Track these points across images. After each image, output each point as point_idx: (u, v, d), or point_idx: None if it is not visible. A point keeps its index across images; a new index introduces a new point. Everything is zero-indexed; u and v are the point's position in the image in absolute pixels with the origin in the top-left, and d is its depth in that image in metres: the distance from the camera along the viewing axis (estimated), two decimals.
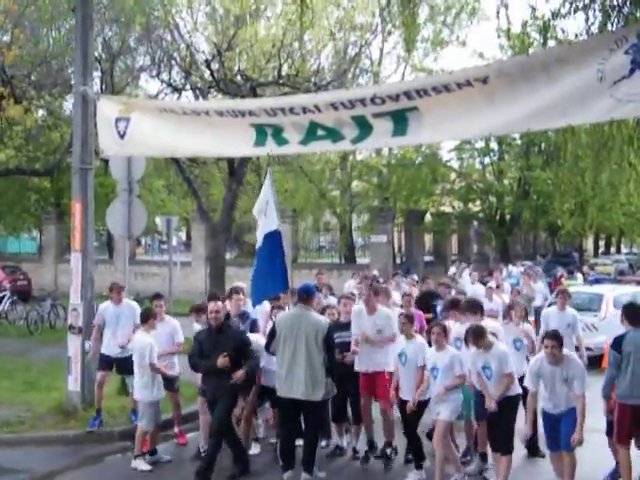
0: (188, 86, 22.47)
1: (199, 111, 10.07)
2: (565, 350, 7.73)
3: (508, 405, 8.01)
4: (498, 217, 36.24)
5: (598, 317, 15.76)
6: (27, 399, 11.85)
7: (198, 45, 23.74)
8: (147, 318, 9.47)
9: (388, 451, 9.27)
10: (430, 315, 11.75)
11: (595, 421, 8.41)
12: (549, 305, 14.26)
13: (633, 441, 8.04)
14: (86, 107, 11.24)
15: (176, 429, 10.23)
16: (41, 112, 24.96)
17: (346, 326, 9.45)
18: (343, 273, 26.53)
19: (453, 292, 13.23)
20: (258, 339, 9.32)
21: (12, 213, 33.06)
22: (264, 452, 9.57)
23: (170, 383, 9.83)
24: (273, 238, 9.32)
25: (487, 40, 55.27)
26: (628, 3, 9.39)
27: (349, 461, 9.44)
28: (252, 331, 9.74)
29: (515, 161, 36.01)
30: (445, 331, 8.46)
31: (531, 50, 19.55)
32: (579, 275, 27.78)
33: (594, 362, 10.66)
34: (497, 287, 15.31)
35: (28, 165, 22.85)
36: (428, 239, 36.73)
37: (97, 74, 19.80)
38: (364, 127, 8.69)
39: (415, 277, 17.81)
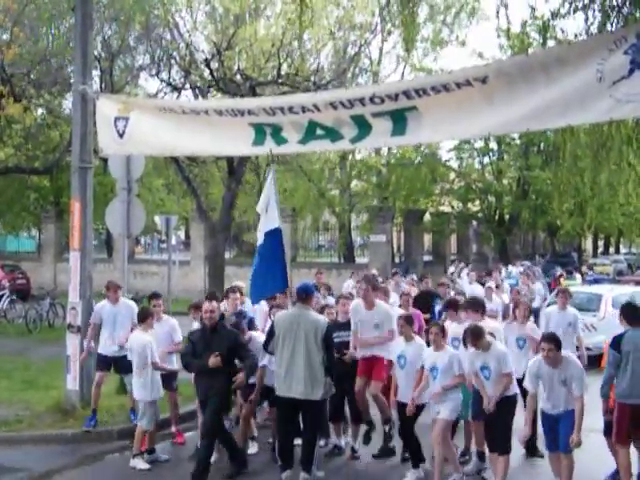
0: (187, 85, 22.46)
1: (198, 110, 10.06)
2: (563, 351, 7.73)
3: (506, 405, 8.02)
4: (497, 217, 36.24)
5: (597, 317, 15.78)
6: (26, 398, 11.85)
7: (198, 44, 23.80)
8: (145, 318, 9.46)
9: (386, 428, 9.29)
10: (428, 315, 11.76)
11: (594, 421, 8.41)
12: (548, 305, 14.27)
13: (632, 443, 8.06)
14: (85, 106, 11.24)
15: (173, 428, 10.23)
16: (40, 111, 24.95)
17: (344, 325, 9.46)
18: (342, 272, 26.54)
19: (452, 292, 13.24)
20: (259, 336, 9.31)
21: (11, 212, 33.07)
22: (262, 451, 9.58)
23: (169, 382, 9.84)
24: (274, 236, 9.31)
25: (487, 40, 55.37)
26: (627, 3, 9.40)
27: (347, 461, 9.44)
28: (250, 329, 9.73)
29: (514, 161, 35.99)
30: (443, 331, 8.46)
31: (530, 50, 19.59)
32: (578, 275, 27.78)
33: (593, 362, 10.64)
34: (497, 287, 15.32)
35: (27, 164, 22.84)
36: (427, 239, 36.72)
37: (96, 73, 19.77)
38: (363, 126, 8.68)
39: (414, 277, 17.81)
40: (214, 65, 20.62)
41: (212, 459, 8.64)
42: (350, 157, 36.16)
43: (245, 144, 9.65)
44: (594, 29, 9.62)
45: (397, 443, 9.32)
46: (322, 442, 9.43)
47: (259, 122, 9.31)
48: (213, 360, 8.30)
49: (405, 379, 8.66)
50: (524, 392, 8.13)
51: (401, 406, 8.70)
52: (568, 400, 7.61)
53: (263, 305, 10.91)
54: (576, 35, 10.38)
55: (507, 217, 36.73)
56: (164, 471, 9.14)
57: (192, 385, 9.16)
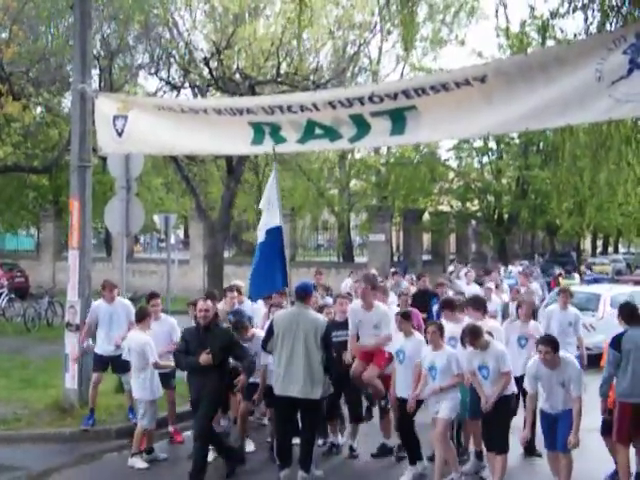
0: (187, 84, 22.48)
1: (197, 109, 10.06)
2: (561, 352, 7.72)
3: (504, 404, 8.00)
4: (496, 216, 36.24)
5: (596, 317, 15.79)
6: (24, 396, 11.84)
7: (197, 43, 23.83)
8: (143, 317, 9.45)
9: (382, 402, 9.31)
10: (425, 315, 11.74)
11: (593, 421, 8.41)
12: (546, 305, 14.26)
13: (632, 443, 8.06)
14: (84, 105, 11.23)
15: (170, 428, 10.21)
16: (39, 109, 24.92)
17: (342, 325, 9.46)
18: (341, 272, 26.53)
19: (450, 292, 13.22)
20: (262, 334, 9.29)
21: (10, 210, 33.03)
22: (260, 450, 9.58)
23: (167, 381, 9.83)
24: (275, 234, 9.30)
25: (486, 39, 55.48)
26: (627, 3, 9.39)
27: (346, 460, 9.44)
28: None
29: (513, 160, 36.00)
30: (441, 330, 8.44)
31: (529, 49, 19.58)
32: (576, 275, 27.81)
33: (592, 362, 10.65)
34: (496, 287, 15.29)
35: (26, 162, 22.81)
36: (426, 238, 36.73)
37: (95, 72, 19.77)
38: (362, 126, 8.67)
39: (413, 276, 17.80)
40: (213, 64, 20.63)
41: (210, 458, 8.64)
42: (349, 156, 36.18)
43: (244, 143, 9.65)
44: (593, 29, 9.62)
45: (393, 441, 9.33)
46: (320, 441, 9.43)
47: (258, 121, 9.31)
48: (204, 357, 8.23)
49: (404, 374, 8.67)
50: (525, 392, 8.14)
51: (400, 401, 8.70)
52: (566, 400, 7.61)
53: (261, 305, 10.92)
54: (575, 35, 10.38)
55: (506, 216, 36.74)
56: (162, 470, 9.14)
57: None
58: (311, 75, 22.24)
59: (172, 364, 9.68)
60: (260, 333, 9.23)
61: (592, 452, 8.62)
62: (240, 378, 8.58)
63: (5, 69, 19.61)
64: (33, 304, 20.84)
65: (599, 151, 10.61)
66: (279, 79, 20.58)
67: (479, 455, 8.83)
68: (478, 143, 34.97)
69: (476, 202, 37.01)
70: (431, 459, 8.69)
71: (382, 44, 36.47)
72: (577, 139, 11.06)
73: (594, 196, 21.46)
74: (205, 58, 21.02)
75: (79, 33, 11.43)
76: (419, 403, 8.57)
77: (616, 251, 54.77)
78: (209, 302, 8.75)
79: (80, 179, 11.27)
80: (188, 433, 10.24)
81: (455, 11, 37.75)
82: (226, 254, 28.47)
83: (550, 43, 13.21)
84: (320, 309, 9.80)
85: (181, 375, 10.21)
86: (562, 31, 13.50)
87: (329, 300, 12.13)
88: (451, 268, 27.62)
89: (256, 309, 10.93)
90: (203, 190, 28.73)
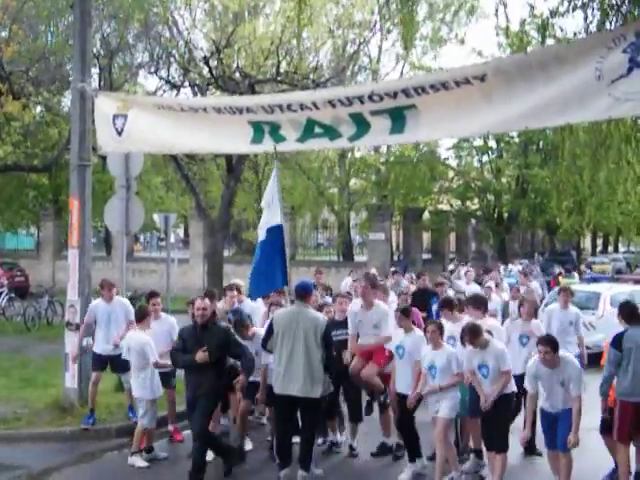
0: (187, 83, 22.47)
1: (197, 108, 10.04)
2: (561, 352, 7.72)
3: (503, 403, 8.00)
4: (496, 215, 36.26)
5: (595, 315, 15.79)
6: (24, 396, 11.85)
7: (197, 42, 23.82)
8: (142, 317, 9.44)
9: (382, 397, 9.31)
10: (424, 314, 11.74)
11: (593, 420, 8.41)
12: (546, 304, 14.26)
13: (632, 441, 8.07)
14: (84, 104, 11.23)
15: (170, 427, 10.21)
16: (39, 108, 24.92)
17: (341, 324, 9.46)
18: (341, 270, 26.54)
19: (449, 291, 13.23)
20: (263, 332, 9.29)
21: (10, 209, 33.02)
22: (260, 449, 9.58)
23: (167, 380, 9.84)
24: (276, 233, 9.30)
25: (486, 38, 55.38)
26: (626, 2, 9.40)
27: (346, 458, 9.44)
28: None
29: (513, 159, 36.01)
30: (441, 329, 8.44)
31: (529, 48, 19.56)
32: (576, 274, 27.82)
33: (592, 360, 10.66)
34: (496, 286, 15.30)
35: (26, 161, 22.80)
36: (426, 237, 36.75)
37: (95, 70, 19.77)
38: (361, 125, 8.66)
39: (413, 275, 17.81)
40: (213, 63, 20.62)
41: (209, 457, 8.63)
42: (349, 155, 36.18)
43: (243, 142, 9.64)
44: (593, 27, 9.62)
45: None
46: (320, 440, 9.43)
47: (257, 120, 9.30)
48: (200, 355, 8.18)
49: (403, 369, 8.69)
50: (525, 391, 8.13)
51: (400, 397, 8.71)
52: (566, 400, 7.61)
53: (260, 304, 10.92)
54: (575, 33, 10.39)
55: (506, 215, 36.76)
56: (162, 469, 9.15)
57: None
58: (311, 74, 22.23)
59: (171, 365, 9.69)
60: (261, 332, 9.21)
61: (592, 451, 8.62)
62: (240, 378, 8.57)
63: (5, 68, 19.60)
64: (33, 303, 20.85)
65: (599, 150, 10.62)
66: (279, 78, 20.57)
67: (478, 454, 8.83)
68: (478, 142, 35.00)
69: (476, 201, 37.03)
70: (431, 458, 8.71)
71: (382, 43, 36.55)
72: (577, 138, 11.07)
73: (594, 195, 21.44)
74: (205, 57, 21.01)
75: (79, 32, 11.43)
76: (419, 399, 8.58)
77: (616, 250, 54.76)
78: (207, 300, 8.71)
79: (80, 178, 11.28)
80: (188, 432, 10.21)
81: (455, 10, 37.76)
82: (226, 253, 28.49)
83: (550, 42, 13.18)
84: (320, 308, 9.79)
85: (181, 374, 10.20)
86: (562, 30, 13.48)
87: (328, 299, 12.13)
88: (451, 267, 27.65)
89: (255, 308, 10.92)
90: (203, 189, 28.72)
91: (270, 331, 8.52)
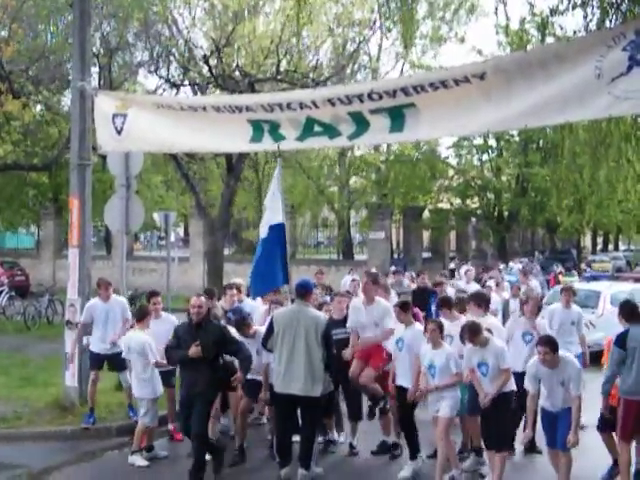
0: (186, 82, 22.45)
1: (196, 107, 10.04)
2: (561, 352, 7.69)
3: (502, 401, 7.99)
4: (496, 214, 36.27)
5: (595, 314, 15.76)
6: (24, 395, 11.85)
7: (196, 41, 23.80)
8: (143, 316, 9.43)
9: (381, 403, 9.29)
10: (424, 313, 11.74)
11: (592, 418, 8.42)
12: (546, 303, 14.24)
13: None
14: (84, 103, 11.23)
15: (170, 426, 10.20)
16: (39, 107, 24.89)
17: (340, 323, 9.46)
18: (341, 269, 26.52)
19: (449, 289, 13.22)
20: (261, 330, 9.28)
21: (10, 208, 33.01)
22: (260, 448, 9.56)
23: (167, 379, 9.84)
24: (277, 231, 9.29)
25: (485, 37, 55.39)
26: (626, 0, 9.39)
27: (346, 457, 9.44)
28: None
29: (513, 158, 36.03)
30: (441, 328, 8.43)
31: (529, 47, 19.54)
32: (575, 272, 27.83)
33: (592, 359, 10.67)
34: (496, 285, 15.29)
35: (26, 160, 22.78)
36: (426, 235, 36.75)
37: (95, 69, 19.72)
38: (361, 123, 8.66)
39: (414, 274, 17.81)
40: (213, 62, 20.61)
41: (209, 457, 8.62)
42: (349, 154, 36.16)
43: (243, 141, 9.64)
44: (593, 26, 9.63)
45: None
46: (320, 438, 9.43)
47: (257, 119, 9.30)
48: (194, 350, 8.10)
49: (402, 362, 8.70)
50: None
51: (400, 390, 8.72)
52: (566, 399, 7.59)
53: (259, 302, 10.92)
54: (575, 32, 10.40)
55: (506, 214, 36.77)
56: (162, 468, 9.15)
57: None
58: (310, 73, 22.21)
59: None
60: (262, 330, 9.21)
61: (591, 449, 8.63)
62: (237, 375, 8.53)
63: (5, 67, 19.59)
64: (33, 302, 20.86)
65: (599, 148, 10.62)
66: (279, 77, 20.56)
67: (478, 452, 8.83)
68: (478, 140, 35.02)
69: (476, 199, 37.05)
70: (431, 457, 8.70)
71: (382, 42, 36.52)
72: (577, 136, 11.08)
73: (594, 193, 21.48)
74: (205, 56, 20.99)
75: (78, 31, 11.43)
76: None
77: (616, 248, 54.80)
78: (202, 298, 8.62)
79: (80, 177, 11.28)
80: None
81: (455, 9, 37.77)
82: (226, 252, 28.47)
83: (549, 40, 13.17)
84: (319, 307, 9.80)
85: None
86: (561, 28, 13.49)
87: (327, 299, 12.13)
88: (452, 265, 27.67)
89: (255, 307, 10.93)
90: (203, 188, 28.70)
91: (270, 330, 8.51)
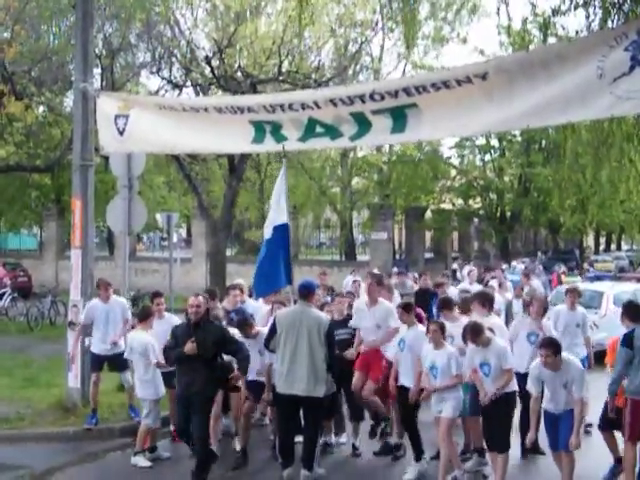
0: (188, 83, 22.47)
1: (198, 107, 10.05)
2: (563, 354, 7.67)
3: (504, 402, 7.98)
4: (499, 214, 36.23)
5: (598, 314, 15.71)
6: (27, 395, 11.86)
7: (198, 42, 23.77)
8: (146, 317, 9.44)
9: (383, 425, 9.31)
10: (426, 314, 11.72)
11: (595, 418, 8.41)
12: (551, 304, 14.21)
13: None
14: (86, 104, 11.24)
15: (172, 427, 10.19)
16: (42, 108, 24.92)
17: (341, 323, 9.47)
18: (343, 270, 26.49)
19: (453, 290, 13.21)
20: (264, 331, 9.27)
21: (13, 210, 33.08)
22: (263, 449, 9.55)
23: (169, 379, 9.82)
24: (281, 231, 9.30)
25: (487, 37, 55.22)
26: (628, 0, 9.37)
27: (348, 458, 9.44)
28: None
29: (515, 158, 35.98)
30: (443, 329, 8.42)
31: (531, 47, 19.52)
32: (577, 272, 27.80)
33: (595, 359, 10.67)
34: (499, 286, 15.26)
35: (28, 162, 22.83)
36: (428, 236, 36.72)
37: (97, 71, 19.76)
38: (363, 124, 8.65)
39: (416, 274, 17.81)
40: (215, 63, 20.63)
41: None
42: (351, 154, 36.14)
43: (245, 141, 9.64)
44: (595, 26, 9.60)
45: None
46: (322, 440, 9.42)
47: (259, 119, 9.29)
48: (189, 346, 8.00)
49: (404, 362, 8.71)
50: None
51: (402, 389, 8.72)
52: (569, 401, 7.58)
53: (262, 303, 10.92)
54: (577, 32, 10.36)
55: (508, 214, 36.73)
56: (165, 469, 9.16)
57: None
58: (312, 73, 22.22)
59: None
60: (265, 331, 9.21)
61: (593, 448, 8.63)
62: (235, 374, 8.49)
63: (7, 69, 19.62)
64: (36, 303, 20.87)
65: (601, 148, 10.61)
66: (280, 77, 20.57)
67: (481, 452, 8.82)
68: (480, 141, 34.98)
69: (478, 200, 37.01)
70: (434, 459, 8.70)
71: (384, 42, 36.47)
72: (579, 137, 11.06)
73: (596, 193, 21.47)
74: (207, 57, 21.01)
75: (81, 32, 11.44)
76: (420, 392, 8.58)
77: (619, 248, 54.74)
78: (200, 298, 8.54)
79: (82, 178, 11.28)
80: None
81: (457, 9, 37.72)
82: (228, 252, 28.48)
83: (551, 40, 13.13)
84: (321, 307, 9.80)
85: None
86: (563, 28, 13.49)
87: (329, 299, 12.13)
88: (454, 266, 27.65)
89: (257, 307, 10.93)
90: (205, 188, 28.70)
91: (273, 330, 8.50)
